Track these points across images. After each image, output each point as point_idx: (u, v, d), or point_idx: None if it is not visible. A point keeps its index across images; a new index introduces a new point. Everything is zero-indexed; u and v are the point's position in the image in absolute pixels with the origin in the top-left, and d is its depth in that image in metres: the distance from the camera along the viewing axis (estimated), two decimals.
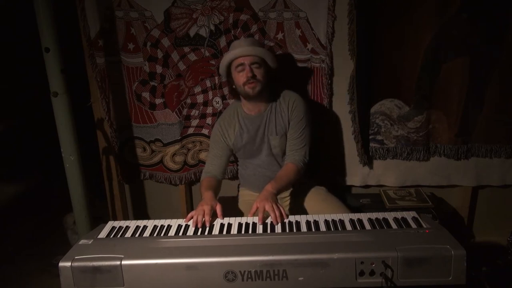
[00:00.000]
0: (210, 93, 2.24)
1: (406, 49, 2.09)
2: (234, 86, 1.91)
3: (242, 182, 2.12)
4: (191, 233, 1.54)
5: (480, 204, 2.42)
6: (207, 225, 1.58)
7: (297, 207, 1.96)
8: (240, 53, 1.80)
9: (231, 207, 1.98)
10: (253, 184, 2.03)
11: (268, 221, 1.59)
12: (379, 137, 2.25)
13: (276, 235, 1.49)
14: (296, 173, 1.84)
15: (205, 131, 2.31)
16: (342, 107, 2.21)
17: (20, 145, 4.22)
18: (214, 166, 1.97)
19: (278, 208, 1.59)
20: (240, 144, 1.96)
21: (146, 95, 2.25)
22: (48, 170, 3.45)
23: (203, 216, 1.59)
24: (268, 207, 1.58)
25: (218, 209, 1.65)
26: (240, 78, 1.83)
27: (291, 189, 1.99)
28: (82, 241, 1.46)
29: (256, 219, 1.60)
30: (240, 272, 1.28)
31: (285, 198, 2.01)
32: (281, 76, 2.02)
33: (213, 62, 2.18)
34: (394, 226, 1.51)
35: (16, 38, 3.69)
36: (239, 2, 2.07)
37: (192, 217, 1.62)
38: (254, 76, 1.80)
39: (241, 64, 1.81)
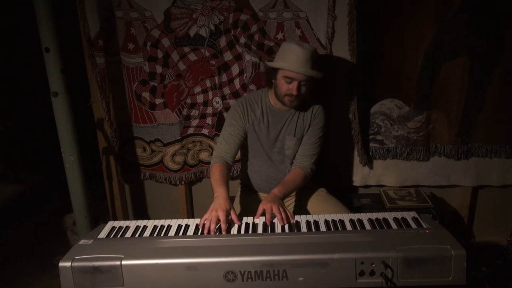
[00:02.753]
0: (210, 93, 2.24)
1: (406, 49, 2.09)
2: (273, 80, 1.82)
3: (244, 179, 2.09)
4: (191, 233, 1.54)
5: (480, 204, 2.42)
6: (224, 233, 1.51)
7: (301, 210, 1.96)
8: (294, 70, 1.70)
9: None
10: (255, 181, 2.03)
11: (275, 221, 1.59)
12: (379, 137, 2.25)
13: (276, 235, 1.49)
14: (303, 179, 1.86)
15: (205, 131, 2.31)
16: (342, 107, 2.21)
17: (20, 145, 4.22)
18: (228, 146, 1.86)
19: (285, 210, 1.61)
20: (255, 130, 1.90)
21: (146, 95, 2.25)
22: (48, 170, 3.45)
23: (216, 224, 1.52)
24: (275, 210, 1.59)
25: (233, 215, 1.59)
26: (283, 87, 1.76)
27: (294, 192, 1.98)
28: (82, 241, 1.45)
29: (256, 219, 1.60)
30: (240, 272, 1.28)
31: (289, 202, 2.00)
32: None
33: (213, 62, 2.18)
34: (394, 226, 1.51)
35: (16, 38, 3.69)
36: (239, 2, 2.07)
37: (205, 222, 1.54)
38: (298, 94, 1.75)
39: (291, 77, 1.72)
